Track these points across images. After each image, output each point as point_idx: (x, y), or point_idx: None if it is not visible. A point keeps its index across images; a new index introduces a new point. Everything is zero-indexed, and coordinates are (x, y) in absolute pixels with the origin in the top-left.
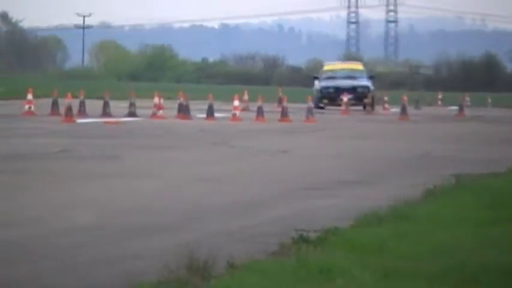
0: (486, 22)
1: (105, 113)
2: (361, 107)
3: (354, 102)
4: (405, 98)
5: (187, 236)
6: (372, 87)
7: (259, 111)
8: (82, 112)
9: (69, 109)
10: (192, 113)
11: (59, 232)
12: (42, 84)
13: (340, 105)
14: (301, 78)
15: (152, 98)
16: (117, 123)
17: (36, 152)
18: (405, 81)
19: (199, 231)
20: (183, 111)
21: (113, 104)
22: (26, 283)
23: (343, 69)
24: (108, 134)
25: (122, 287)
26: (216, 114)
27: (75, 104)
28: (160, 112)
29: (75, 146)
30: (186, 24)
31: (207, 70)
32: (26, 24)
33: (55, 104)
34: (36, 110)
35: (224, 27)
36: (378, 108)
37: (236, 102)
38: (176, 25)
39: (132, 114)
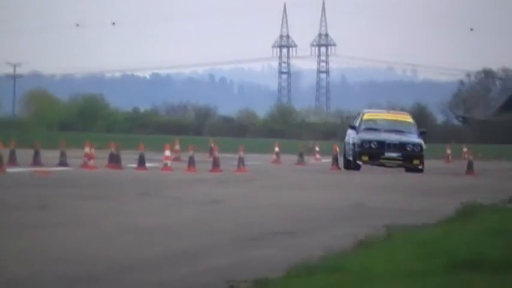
0: (416, 73)
1: (36, 162)
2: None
3: (401, 161)
4: (337, 148)
5: (115, 286)
6: (423, 146)
7: (191, 161)
8: (12, 161)
9: None
10: (123, 162)
11: None
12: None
13: (383, 164)
14: (233, 128)
15: (83, 147)
16: (47, 172)
17: None
18: (337, 131)
19: (129, 282)
20: (114, 161)
21: (43, 153)
22: None
23: (389, 120)
24: (38, 184)
25: None
26: (148, 164)
27: (5, 153)
28: (91, 162)
29: (4, 196)
30: (117, 74)
31: (138, 120)
32: None
33: None
34: None
35: (155, 76)
36: (309, 158)
37: (167, 152)
38: (107, 75)
39: (62, 163)
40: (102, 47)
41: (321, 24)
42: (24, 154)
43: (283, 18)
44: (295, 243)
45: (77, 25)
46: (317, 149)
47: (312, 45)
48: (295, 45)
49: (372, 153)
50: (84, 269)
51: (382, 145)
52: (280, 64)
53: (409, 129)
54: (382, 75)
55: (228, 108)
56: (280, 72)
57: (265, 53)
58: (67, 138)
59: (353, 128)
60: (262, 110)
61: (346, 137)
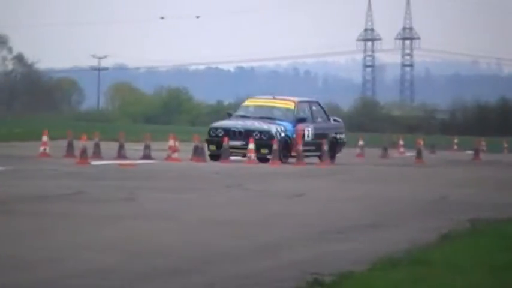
0: (501, 66)
1: (120, 155)
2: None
3: (245, 150)
4: (421, 141)
5: (202, 280)
6: (286, 134)
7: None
8: (97, 154)
9: (84, 151)
10: (207, 155)
11: (73, 274)
12: (58, 126)
13: (230, 153)
14: None
15: (167, 140)
16: (131, 165)
17: (50, 193)
18: (421, 125)
19: (214, 274)
20: (198, 153)
21: (128, 146)
22: None
23: (264, 107)
24: (122, 176)
25: None
26: (232, 157)
27: (90, 146)
28: (175, 154)
29: (89, 188)
30: (201, 67)
31: (222, 113)
32: (41, 65)
33: (70, 146)
34: (51, 151)
35: (239, 69)
36: (393, 152)
37: (252, 145)
38: (192, 67)
39: (147, 156)
40: (187, 40)
41: (405, 18)
42: (109, 147)
43: (367, 11)
44: (378, 237)
45: (162, 18)
46: (401, 142)
47: (396, 38)
48: (379, 39)
49: (218, 142)
50: (168, 262)
51: (228, 133)
52: (364, 57)
53: (283, 116)
54: (467, 68)
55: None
56: (365, 66)
57: (350, 46)
58: (151, 131)
59: (229, 115)
60: (345, 104)
61: None
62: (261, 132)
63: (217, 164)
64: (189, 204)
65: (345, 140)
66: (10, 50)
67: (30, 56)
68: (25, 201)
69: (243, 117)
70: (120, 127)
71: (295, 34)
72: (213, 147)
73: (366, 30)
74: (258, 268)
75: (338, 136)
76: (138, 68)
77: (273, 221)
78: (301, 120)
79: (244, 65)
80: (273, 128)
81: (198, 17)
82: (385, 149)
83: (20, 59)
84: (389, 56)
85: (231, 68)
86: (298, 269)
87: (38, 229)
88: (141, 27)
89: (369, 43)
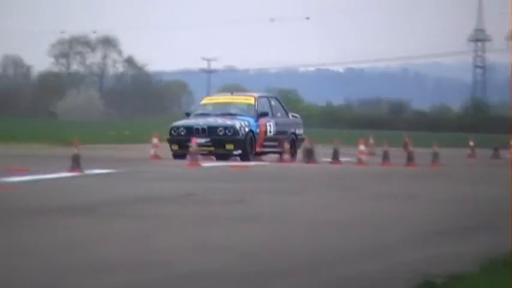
0: None
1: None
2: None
3: (212, 147)
4: None
5: (311, 282)
6: (250, 129)
7: (385, 156)
8: (208, 156)
9: (194, 153)
10: (317, 157)
11: (182, 276)
12: (167, 128)
13: (187, 153)
14: (426, 122)
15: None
16: (243, 167)
17: (162, 195)
18: None
19: (326, 276)
20: (308, 155)
21: None
22: None
23: (224, 104)
24: (233, 178)
25: None
26: (342, 159)
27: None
28: (286, 156)
29: (200, 190)
30: (311, 68)
31: (332, 114)
32: (151, 68)
33: None
34: (162, 153)
35: (349, 71)
36: (505, 153)
37: (362, 147)
38: (301, 69)
39: (258, 158)
40: (296, 42)
41: None
42: None
43: (478, 11)
44: (488, 239)
45: (272, 20)
46: None
47: (506, 38)
48: (489, 40)
49: (181, 141)
50: (280, 263)
51: (190, 131)
52: (474, 58)
53: (244, 111)
54: None
55: (421, 103)
56: (475, 66)
57: (459, 47)
58: None
59: (187, 115)
60: (455, 104)
61: None
62: (225, 128)
63: (328, 166)
64: (299, 205)
65: (303, 136)
66: (120, 52)
67: (140, 59)
68: (135, 203)
69: (203, 115)
70: None
71: (405, 35)
72: (175, 147)
73: (476, 30)
74: (367, 269)
75: (297, 132)
76: (247, 70)
77: (383, 222)
78: (263, 114)
79: (354, 66)
80: (237, 123)
81: (307, 18)
82: (496, 150)
83: (130, 61)
84: (499, 56)
85: (340, 69)
86: (408, 270)
87: (147, 231)
88: (250, 29)
89: (479, 43)
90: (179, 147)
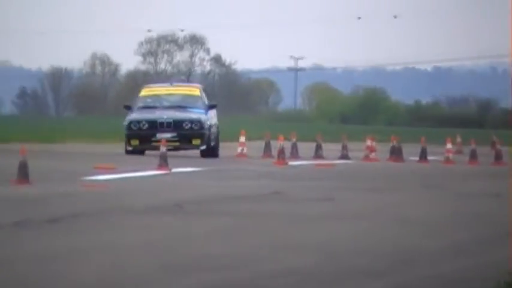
0: None
1: (317, 155)
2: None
3: (178, 142)
4: None
5: (397, 281)
6: (210, 122)
7: (473, 154)
8: (294, 154)
9: (281, 151)
10: (405, 155)
11: (270, 275)
12: (255, 127)
13: (156, 148)
14: None
15: (364, 140)
16: (329, 165)
17: (249, 193)
18: None
19: (409, 274)
20: (396, 153)
21: (324, 146)
22: None
23: (169, 95)
24: (320, 177)
25: None
26: (429, 157)
27: (287, 146)
28: (373, 155)
29: (286, 189)
30: (398, 67)
31: (419, 113)
32: (238, 66)
33: (267, 147)
34: (248, 152)
35: (436, 69)
36: None
37: (449, 145)
38: (389, 67)
39: (344, 156)
40: (384, 40)
41: None
42: (306, 147)
43: None
44: None
45: (359, 18)
46: None
47: None
48: None
49: (142, 135)
50: (364, 262)
51: (154, 125)
52: None
53: (194, 103)
54: None
55: (509, 101)
56: None
57: None
58: (348, 131)
59: (128, 108)
60: None
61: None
62: (192, 121)
63: (415, 165)
64: (385, 204)
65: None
66: (208, 51)
67: (227, 57)
68: (223, 201)
69: (150, 108)
70: (317, 127)
71: (492, 34)
72: (135, 142)
73: None
74: (450, 268)
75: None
76: (334, 68)
77: (466, 221)
78: (212, 106)
79: (441, 64)
80: (202, 117)
81: (395, 16)
82: None
83: (217, 59)
84: None
85: (428, 67)
86: (487, 269)
87: (235, 229)
88: (338, 27)
89: None
90: (140, 142)
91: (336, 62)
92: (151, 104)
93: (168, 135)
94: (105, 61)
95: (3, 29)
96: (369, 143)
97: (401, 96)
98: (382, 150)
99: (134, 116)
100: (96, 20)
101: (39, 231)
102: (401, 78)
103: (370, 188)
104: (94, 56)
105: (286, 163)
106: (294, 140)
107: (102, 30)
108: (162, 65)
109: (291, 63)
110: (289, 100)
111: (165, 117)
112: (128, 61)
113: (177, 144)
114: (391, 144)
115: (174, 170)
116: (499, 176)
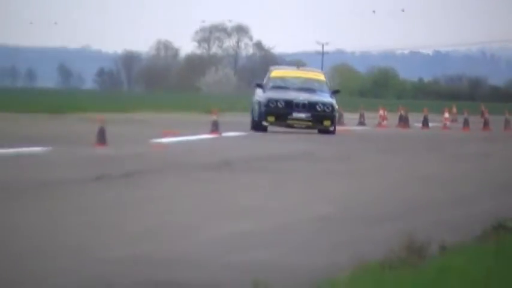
0: None
1: (340, 122)
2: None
3: (311, 122)
4: None
5: (406, 225)
6: (335, 106)
7: (465, 122)
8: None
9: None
10: (410, 123)
11: (301, 221)
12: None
13: (290, 125)
14: (501, 95)
15: (378, 111)
16: (349, 130)
17: (287, 153)
18: None
19: (416, 221)
20: (403, 121)
21: (345, 115)
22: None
23: (298, 78)
24: (341, 140)
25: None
26: (430, 124)
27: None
28: (384, 122)
29: (316, 150)
30: (406, 51)
31: (422, 89)
32: (276, 50)
33: None
34: None
35: (437, 53)
36: None
37: (446, 114)
38: (398, 51)
39: (361, 123)
40: (394, 29)
41: None
42: None
43: None
44: None
45: (373, 12)
46: None
47: None
48: None
49: (279, 113)
50: (379, 210)
51: (290, 105)
52: None
53: (321, 87)
54: None
55: (496, 80)
56: None
57: None
58: (364, 103)
59: (260, 86)
60: None
61: (254, 97)
62: (324, 104)
63: (419, 130)
64: (394, 162)
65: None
66: (251, 37)
67: (266, 43)
68: (265, 159)
69: (282, 88)
70: (339, 100)
71: (484, 23)
72: (271, 119)
73: None
74: (452, 216)
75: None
76: (353, 52)
77: (463, 178)
78: (336, 92)
79: (440, 49)
80: (332, 101)
81: (403, 10)
82: None
83: (259, 45)
84: None
85: (429, 52)
86: (486, 216)
87: (275, 182)
88: (356, 18)
89: None
90: (276, 119)
91: (355, 47)
92: (283, 85)
93: (303, 115)
94: (167, 46)
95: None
96: (381, 112)
97: (408, 75)
98: (392, 118)
99: (271, 94)
100: (160, 12)
101: (116, 184)
102: (408, 60)
103: (382, 149)
104: (159, 42)
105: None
106: None
107: (165, 20)
108: (213, 50)
109: (318, 48)
110: None
111: (301, 98)
112: (186, 46)
113: (310, 124)
114: (399, 114)
115: (224, 134)
116: (488, 140)
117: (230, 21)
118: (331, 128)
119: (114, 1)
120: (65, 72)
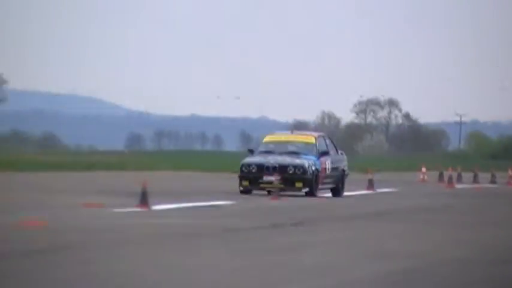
0: None
1: (475, 181)
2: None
3: (282, 185)
4: None
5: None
6: (315, 167)
7: None
8: (459, 181)
9: (450, 178)
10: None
11: (446, 261)
12: (432, 162)
13: (263, 188)
14: None
15: (507, 171)
16: (480, 188)
17: (429, 206)
18: None
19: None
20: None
21: (480, 175)
22: None
23: (288, 142)
24: (477, 195)
25: None
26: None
27: (454, 175)
28: None
29: (455, 203)
30: None
31: None
32: (422, 120)
33: (441, 175)
34: (427, 178)
35: None
36: None
37: None
38: None
39: (492, 182)
40: None
41: None
42: (466, 176)
43: None
44: None
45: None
46: None
47: None
48: None
49: (251, 177)
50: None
51: (261, 168)
52: None
53: (306, 150)
54: None
55: None
56: None
57: None
58: (495, 165)
59: (251, 151)
60: None
61: None
62: (295, 166)
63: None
64: None
65: (348, 172)
66: (400, 109)
67: (414, 114)
68: (411, 211)
69: (268, 152)
70: (474, 162)
71: None
72: (246, 183)
73: None
74: None
75: (345, 168)
76: (485, 122)
77: None
78: (324, 153)
79: None
80: (305, 162)
81: None
82: None
83: (407, 115)
84: None
85: None
86: None
87: (420, 230)
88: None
89: None
90: (249, 183)
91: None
92: (271, 149)
93: (272, 178)
94: (330, 116)
95: (261, 92)
96: (510, 172)
97: None
98: None
99: (248, 159)
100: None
101: (287, 231)
102: None
103: (507, 202)
104: (323, 113)
105: (454, 186)
106: (458, 170)
107: (328, 94)
108: (369, 119)
109: (457, 118)
110: (455, 143)
111: (271, 161)
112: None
113: (281, 186)
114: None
115: (378, 190)
116: None
117: (383, 96)
118: (305, 190)
119: (283, 77)
120: (245, 138)
